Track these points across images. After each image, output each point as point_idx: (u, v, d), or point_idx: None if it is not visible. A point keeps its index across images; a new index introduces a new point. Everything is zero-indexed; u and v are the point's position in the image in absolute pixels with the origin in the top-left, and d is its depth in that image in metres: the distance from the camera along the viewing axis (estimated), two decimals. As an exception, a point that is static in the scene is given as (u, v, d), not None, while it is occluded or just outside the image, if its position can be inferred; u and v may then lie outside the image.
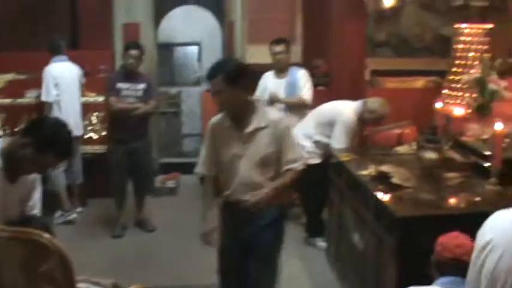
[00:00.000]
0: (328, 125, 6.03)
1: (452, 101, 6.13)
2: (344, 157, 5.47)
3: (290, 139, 3.83)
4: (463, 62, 6.16)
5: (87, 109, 7.39)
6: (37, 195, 3.63)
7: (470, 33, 6.15)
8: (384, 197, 4.29)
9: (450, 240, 3.11)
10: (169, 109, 10.72)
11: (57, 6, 8.12)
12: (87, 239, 6.56)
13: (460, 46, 6.20)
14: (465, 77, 5.67)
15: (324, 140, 6.07)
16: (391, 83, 7.25)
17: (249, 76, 3.79)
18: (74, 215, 7.12)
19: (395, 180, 4.49)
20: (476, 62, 5.90)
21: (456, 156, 5.04)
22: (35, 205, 3.61)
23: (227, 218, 3.94)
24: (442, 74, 6.68)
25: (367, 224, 4.49)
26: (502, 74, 5.50)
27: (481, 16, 6.51)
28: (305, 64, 7.53)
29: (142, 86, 6.57)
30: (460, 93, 6.04)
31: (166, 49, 11.92)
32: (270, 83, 6.75)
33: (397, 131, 6.33)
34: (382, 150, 5.73)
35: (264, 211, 3.74)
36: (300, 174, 3.88)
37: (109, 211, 7.02)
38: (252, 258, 3.88)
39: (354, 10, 7.48)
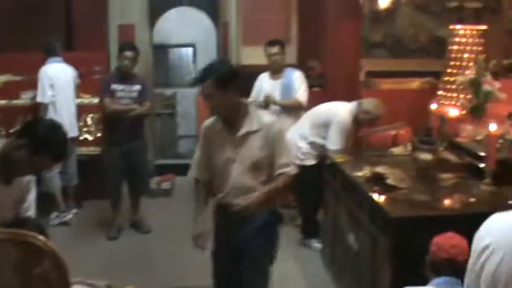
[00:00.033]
0: (324, 126, 6.04)
1: (447, 102, 6.14)
2: (339, 158, 5.48)
3: (282, 143, 3.79)
4: (457, 63, 6.18)
5: (82, 110, 7.39)
6: (32, 197, 3.62)
7: (465, 35, 6.17)
8: (378, 198, 4.29)
9: (445, 241, 3.12)
10: (165, 110, 10.71)
11: (52, 7, 8.10)
12: (83, 240, 6.55)
13: (455, 47, 6.22)
14: (460, 78, 5.68)
15: (319, 141, 6.07)
16: (386, 84, 7.26)
17: (239, 79, 3.74)
18: (69, 216, 7.12)
19: (390, 181, 4.49)
20: (471, 63, 5.91)
21: (451, 157, 5.05)
22: (30, 207, 3.60)
23: (220, 221, 3.92)
24: (437, 75, 6.70)
25: (362, 225, 4.50)
26: (496, 75, 5.51)
27: (475, 17, 6.54)
28: (300, 65, 7.54)
29: (137, 87, 6.56)
30: (454, 94, 6.05)
31: (161, 50, 11.91)
32: (265, 84, 6.76)
33: (392, 132, 6.34)
34: (377, 151, 5.74)
35: (256, 215, 3.71)
36: (293, 178, 3.85)
37: (104, 213, 7.01)
38: (244, 262, 3.84)
39: (349, 11, 7.49)
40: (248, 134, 3.69)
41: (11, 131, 6.93)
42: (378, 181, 4.56)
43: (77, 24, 8.22)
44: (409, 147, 5.53)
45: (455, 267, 3.05)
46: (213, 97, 3.62)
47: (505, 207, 3.61)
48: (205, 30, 11.80)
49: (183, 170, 7.95)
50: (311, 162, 6.13)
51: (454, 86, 6.00)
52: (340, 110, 6.05)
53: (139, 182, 6.96)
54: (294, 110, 6.64)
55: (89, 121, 7.54)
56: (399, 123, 6.45)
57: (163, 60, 12.25)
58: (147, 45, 8.80)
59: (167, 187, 8.35)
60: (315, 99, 6.60)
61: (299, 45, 8.34)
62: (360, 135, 6.59)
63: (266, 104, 6.62)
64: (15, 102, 7.34)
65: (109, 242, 6.58)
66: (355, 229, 4.73)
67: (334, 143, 5.92)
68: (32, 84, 7.03)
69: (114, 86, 6.51)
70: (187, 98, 10.73)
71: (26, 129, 3.32)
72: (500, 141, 4.57)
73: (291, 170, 3.79)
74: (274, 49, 6.65)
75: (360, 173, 4.82)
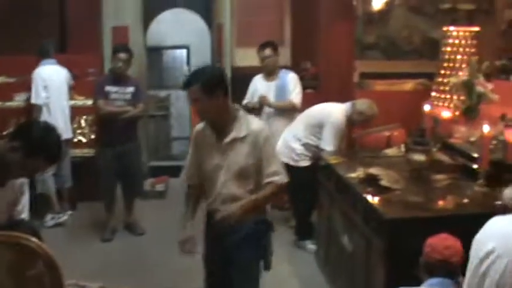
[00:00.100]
0: (318, 127, 6.05)
1: (440, 104, 6.16)
2: (333, 160, 5.49)
3: (271, 150, 3.72)
4: (451, 65, 6.19)
5: (75, 112, 7.37)
6: (25, 199, 3.61)
7: (458, 36, 6.19)
8: (372, 199, 4.30)
9: (439, 242, 3.12)
10: (158, 112, 10.72)
11: (45, 9, 8.09)
12: (77, 242, 6.54)
13: (448, 49, 6.24)
14: (453, 80, 5.69)
15: (313, 142, 6.08)
16: (380, 86, 7.27)
17: (226, 84, 3.65)
18: (64, 218, 7.11)
19: (384, 182, 4.50)
20: (464, 65, 5.93)
21: (444, 158, 5.06)
22: (24, 209, 3.60)
23: (209, 227, 3.86)
24: (431, 76, 6.72)
25: (356, 226, 4.50)
26: (488, 77, 5.53)
27: (468, 19, 6.57)
28: (294, 67, 7.56)
29: (130, 89, 6.56)
30: (448, 96, 6.07)
31: (155, 52, 11.91)
32: (260, 86, 6.77)
33: (386, 133, 6.37)
34: (371, 152, 5.75)
35: (241, 224, 3.64)
36: (282, 187, 3.76)
37: (98, 215, 7.00)
38: (233, 268, 3.78)
39: (342, 13, 7.50)
40: (235, 140, 3.62)
41: (5, 133, 6.90)
42: (371, 182, 4.57)
43: (70, 26, 8.21)
44: (403, 149, 5.55)
45: (449, 269, 3.06)
46: (199, 102, 3.57)
47: (493, 209, 3.66)
48: (199, 32, 11.81)
49: (176, 171, 7.95)
50: (305, 163, 6.14)
51: (447, 88, 6.01)
52: (334, 111, 6.06)
53: (133, 183, 6.95)
54: (287, 111, 6.65)
55: (83, 123, 7.53)
56: (393, 124, 6.48)
57: (157, 62, 12.26)
58: (141, 47, 8.79)
59: (161, 189, 8.34)
60: (308, 101, 6.60)
61: (293, 46, 8.36)
62: (353, 136, 6.61)
63: (260, 105, 6.64)
64: (8, 104, 7.32)
65: (103, 244, 6.57)
66: (349, 230, 4.74)
67: (328, 143, 5.93)
68: (25, 86, 7.02)
69: (108, 88, 6.51)
70: (181, 100, 10.74)
71: (19, 132, 3.32)
72: (493, 142, 4.59)
73: (280, 178, 3.69)
74: (267, 51, 6.66)
75: (353, 175, 4.82)
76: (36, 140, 3.20)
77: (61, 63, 7.08)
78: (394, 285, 3.68)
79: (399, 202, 4.26)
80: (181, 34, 12.26)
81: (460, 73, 5.73)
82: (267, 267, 3.91)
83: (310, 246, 6.16)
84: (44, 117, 6.71)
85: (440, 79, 6.31)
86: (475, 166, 4.62)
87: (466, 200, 4.28)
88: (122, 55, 6.46)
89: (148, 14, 9.82)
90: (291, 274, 5.71)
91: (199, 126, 3.84)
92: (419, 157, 4.84)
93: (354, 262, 4.57)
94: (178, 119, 10.95)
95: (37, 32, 7.56)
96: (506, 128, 4.62)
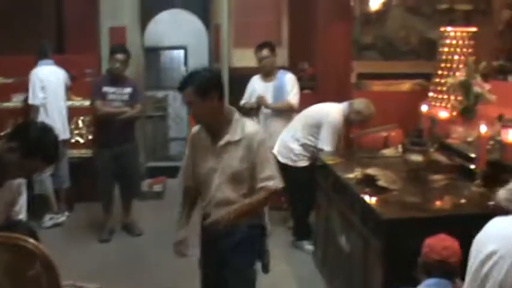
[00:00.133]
0: (316, 127, 6.06)
1: (437, 104, 6.16)
2: (330, 160, 5.49)
3: (265, 155, 3.66)
4: (448, 65, 6.20)
5: (73, 113, 7.37)
6: (23, 200, 3.61)
7: (455, 37, 6.19)
8: (370, 199, 4.30)
9: (437, 242, 3.13)
10: (156, 113, 10.73)
11: (43, 10, 8.09)
12: (74, 243, 6.53)
13: (446, 49, 6.24)
14: (450, 80, 5.70)
15: (311, 142, 6.09)
16: (377, 86, 7.27)
17: (221, 86, 3.62)
18: (63, 218, 7.12)
19: (381, 183, 4.50)
20: (461, 65, 5.94)
21: (441, 158, 5.06)
22: (21, 210, 3.60)
23: (204, 230, 3.81)
24: (428, 76, 6.72)
25: (354, 227, 4.50)
26: (486, 77, 5.53)
27: (465, 19, 6.56)
28: (291, 67, 7.57)
29: (128, 90, 6.56)
30: (445, 96, 6.07)
31: (152, 53, 11.92)
32: (257, 87, 6.78)
33: (384, 133, 6.38)
34: (369, 153, 5.76)
35: (235, 227, 3.61)
36: (276, 193, 3.72)
37: (96, 215, 7.00)
38: (228, 271, 3.75)
39: (340, 13, 7.51)
40: (230, 143, 3.59)
41: (2, 133, 6.90)
42: (369, 183, 4.56)
43: (68, 27, 8.21)
44: (400, 149, 5.55)
45: (447, 269, 3.07)
46: (194, 105, 3.55)
47: (488, 209, 3.68)
48: (197, 32, 11.81)
49: (174, 172, 7.95)
50: (304, 163, 6.14)
51: (444, 88, 6.01)
52: (332, 111, 6.08)
53: (130, 184, 6.95)
54: (285, 112, 6.66)
55: (80, 124, 7.53)
56: (390, 125, 6.48)
57: (154, 63, 12.26)
58: (138, 47, 8.79)
59: (158, 189, 8.35)
60: (306, 101, 6.61)
61: (290, 47, 8.36)
62: (351, 137, 6.62)
63: (258, 105, 6.64)
64: (6, 104, 7.32)
65: (101, 245, 6.57)
66: (346, 231, 4.74)
67: (326, 143, 5.94)
68: (23, 86, 7.02)
69: (105, 89, 6.51)
70: (179, 101, 10.72)
71: (17, 132, 3.32)
72: (491, 142, 4.59)
73: (274, 183, 3.65)
74: (264, 52, 6.67)
75: (351, 175, 4.82)
76: (34, 140, 3.20)
77: (58, 63, 7.09)
78: (392, 285, 3.69)
79: (397, 202, 4.26)
80: (178, 35, 12.27)
81: (458, 73, 5.74)
82: (266, 270, 3.91)
83: (308, 246, 6.17)
84: (42, 117, 6.71)
85: (437, 79, 6.32)
86: (472, 166, 4.62)
87: (463, 200, 4.29)
88: (120, 56, 6.46)
89: (146, 15, 9.82)
90: (289, 275, 5.71)
91: (195, 128, 3.82)
92: (416, 157, 4.84)
93: (352, 262, 4.57)
94: (176, 120, 10.96)
95: (35, 33, 7.56)
96: (503, 128, 4.61)
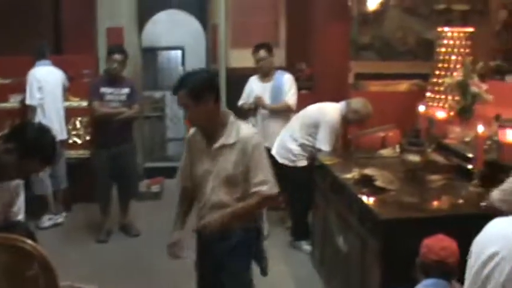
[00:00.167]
0: (313, 127, 6.07)
1: (435, 104, 6.16)
2: (328, 161, 5.49)
3: (259, 159, 3.59)
4: (445, 65, 6.20)
5: (70, 114, 7.37)
6: (21, 201, 3.61)
7: (452, 37, 6.20)
8: (367, 200, 4.30)
9: (435, 243, 3.14)
10: (154, 113, 10.73)
11: (40, 11, 8.08)
12: (72, 244, 6.53)
13: (443, 49, 6.24)
14: (447, 80, 5.70)
15: (309, 142, 6.10)
16: (375, 86, 7.27)
17: (216, 89, 3.59)
18: (61, 219, 7.12)
19: (379, 183, 4.50)
20: (459, 65, 5.94)
21: (439, 158, 5.07)
22: (19, 211, 3.60)
23: (199, 233, 3.77)
24: (425, 77, 6.72)
25: (351, 227, 4.51)
26: (483, 77, 5.54)
27: (463, 20, 6.57)
28: (289, 68, 7.56)
29: (125, 90, 6.55)
30: (442, 96, 6.07)
31: (150, 53, 11.93)
32: (255, 87, 6.79)
33: (381, 134, 6.38)
34: (366, 153, 5.76)
35: (230, 231, 3.59)
36: (269, 198, 3.66)
37: (93, 216, 6.99)
38: (223, 275, 3.73)
39: (337, 14, 7.51)
40: (224, 146, 3.56)
41: (-1, 134, 6.91)
42: (366, 183, 4.57)
43: (65, 27, 8.20)
44: (398, 149, 5.56)
45: (445, 269, 3.07)
46: (188, 108, 3.52)
47: (481, 210, 3.68)
48: (194, 33, 11.82)
49: (172, 172, 7.94)
50: (303, 163, 6.15)
51: (442, 88, 6.01)
52: (329, 110, 6.09)
53: (128, 185, 6.95)
54: (283, 112, 6.67)
55: (78, 124, 7.53)
56: (388, 125, 6.49)
57: (152, 63, 12.27)
58: (136, 48, 8.79)
59: (156, 190, 8.34)
60: (303, 102, 6.61)
61: (288, 47, 8.36)
62: (349, 137, 6.62)
63: (256, 106, 6.65)
64: (3, 105, 7.31)
65: (98, 246, 6.56)
66: (344, 231, 4.74)
67: (324, 143, 5.95)
68: (20, 87, 7.01)
69: (103, 89, 6.50)
70: (176, 101, 10.71)
71: (14, 133, 3.32)
72: (488, 142, 4.60)
73: (268, 188, 3.59)
74: (261, 53, 6.67)
75: (348, 175, 4.83)
76: (31, 141, 3.21)
77: (56, 64, 7.08)
78: (390, 285, 3.70)
79: (394, 203, 4.26)
80: (176, 35, 12.28)
81: (455, 74, 5.74)
82: (264, 273, 3.89)
83: (306, 247, 6.17)
84: (39, 118, 6.71)
85: (434, 80, 6.32)
86: (469, 166, 4.63)
87: (460, 201, 4.29)
88: (117, 56, 6.46)
89: (143, 15, 9.82)
90: (287, 275, 5.71)
91: (192, 130, 3.80)
92: (414, 158, 4.84)
93: (349, 263, 4.57)
94: (174, 120, 10.96)
95: (32, 33, 7.56)
96: (500, 128, 4.62)
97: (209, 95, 3.49)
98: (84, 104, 7.20)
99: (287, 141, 6.22)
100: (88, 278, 4.98)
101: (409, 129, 5.76)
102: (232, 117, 3.64)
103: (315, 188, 5.77)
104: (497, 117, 4.84)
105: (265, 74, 6.75)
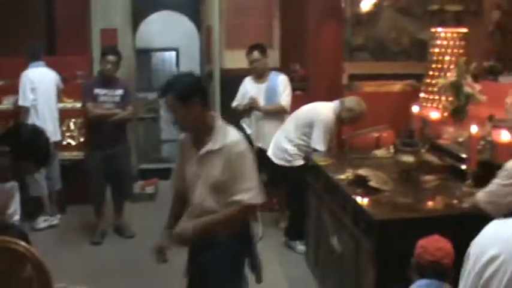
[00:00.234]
0: (308, 126, 6.07)
1: (428, 105, 6.18)
2: (322, 161, 5.50)
3: (243, 166, 3.49)
4: (439, 66, 6.21)
5: (64, 115, 7.36)
6: (16, 203, 3.61)
7: (446, 37, 6.21)
8: (361, 200, 4.31)
9: (430, 243, 3.14)
10: (148, 115, 10.72)
11: (33, 12, 8.08)
12: (66, 245, 6.52)
13: (436, 50, 6.26)
14: (441, 81, 5.71)
15: (304, 142, 6.10)
16: (369, 87, 7.28)
17: (204, 92, 3.53)
18: (56, 221, 7.11)
19: (372, 183, 4.51)
20: (452, 66, 5.96)
21: (433, 159, 5.08)
22: (15, 213, 3.60)
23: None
24: (419, 77, 6.74)
25: (346, 228, 4.51)
26: (476, 78, 5.55)
27: (456, 20, 6.58)
28: (283, 69, 7.56)
29: (119, 91, 6.55)
30: (436, 97, 6.09)
31: (144, 54, 11.91)
32: (250, 88, 6.80)
33: (375, 134, 6.39)
34: (360, 153, 5.77)
35: (215, 239, 3.52)
36: (250, 208, 3.57)
37: (88, 217, 6.98)
38: (210, 283, 3.66)
39: (331, 15, 7.52)
40: (211, 152, 3.47)
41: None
42: (360, 184, 4.58)
43: (59, 29, 8.20)
44: (392, 150, 5.57)
45: (440, 270, 3.07)
46: (175, 111, 3.46)
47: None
48: (188, 34, 11.81)
49: (166, 174, 7.91)
50: (299, 162, 6.15)
51: (435, 89, 6.03)
52: (323, 109, 6.10)
53: (122, 186, 6.94)
54: (277, 113, 6.67)
55: (72, 126, 7.52)
56: (382, 125, 6.50)
57: (146, 65, 12.25)
58: (129, 49, 8.78)
59: (151, 191, 8.33)
60: (297, 103, 6.62)
61: (282, 48, 8.36)
62: (343, 137, 6.63)
63: (250, 107, 6.65)
64: (-4, 107, 7.31)
65: (93, 247, 6.56)
66: (338, 231, 4.74)
67: (318, 142, 5.95)
68: (13, 88, 7.00)
69: (96, 91, 6.50)
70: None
71: (8, 135, 3.32)
72: (481, 143, 4.61)
73: (249, 197, 3.48)
74: (255, 54, 6.69)
75: (342, 176, 4.84)
76: (25, 143, 3.20)
77: (50, 65, 7.07)
78: (384, 286, 3.71)
79: (388, 203, 4.26)
80: (170, 36, 12.26)
81: (448, 74, 5.75)
82: (259, 279, 3.84)
83: (300, 247, 6.17)
84: (32, 119, 6.70)
85: (428, 80, 6.33)
86: (463, 167, 4.64)
87: (454, 201, 4.29)
88: (111, 57, 6.46)
89: (137, 16, 9.81)
90: (281, 275, 5.72)
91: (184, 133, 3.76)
92: (408, 158, 4.85)
93: (343, 263, 4.57)
94: (168, 122, 10.91)
95: (25, 35, 7.55)
96: (494, 128, 4.64)
97: (197, 98, 3.43)
98: (78, 105, 7.19)
99: (282, 142, 6.23)
100: (82, 280, 4.96)
101: (403, 129, 5.78)
102: (220, 121, 3.58)
103: (308, 188, 5.77)
104: (491, 118, 4.86)
105: (260, 75, 6.76)
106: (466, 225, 3.26)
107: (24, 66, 6.91)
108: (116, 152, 6.58)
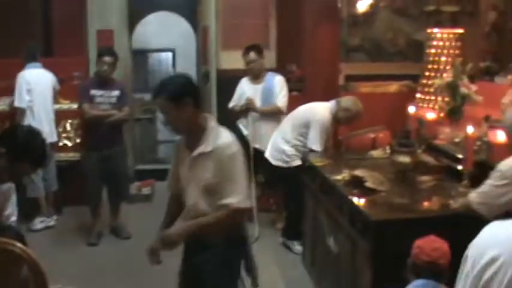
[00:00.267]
0: (304, 127, 6.07)
1: (425, 105, 6.19)
2: (318, 162, 5.50)
3: (233, 169, 3.44)
4: (435, 67, 6.23)
5: (61, 116, 7.35)
6: (13, 204, 3.61)
7: (442, 38, 6.23)
8: (358, 201, 4.31)
9: (427, 244, 3.15)
10: (144, 116, 10.70)
11: (30, 13, 8.07)
12: (63, 247, 6.51)
13: (433, 51, 6.27)
14: (437, 81, 5.73)
15: (301, 143, 6.11)
16: (365, 88, 7.29)
17: (196, 94, 3.47)
18: (53, 222, 7.11)
19: (369, 184, 4.51)
20: (448, 67, 5.97)
21: (429, 159, 5.08)
22: (12, 214, 3.59)
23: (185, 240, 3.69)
24: (415, 78, 6.75)
25: (342, 228, 4.51)
26: (472, 78, 5.56)
27: (452, 21, 6.58)
28: (279, 69, 7.57)
29: (116, 92, 6.55)
30: (432, 97, 6.10)
31: (140, 55, 11.90)
32: (246, 88, 6.80)
33: (371, 135, 6.39)
34: (357, 154, 5.78)
35: (208, 241, 3.50)
36: (239, 212, 3.49)
37: (84, 219, 6.98)
38: (202, 286, 3.64)
39: (327, 15, 7.53)
40: (203, 154, 3.44)
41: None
42: (357, 184, 4.57)
43: (55, 30, 8.19)
44: (388, 150, 5.57)
45: (436, 270, 3.08)
46: (167, 113, 3.43)
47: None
48: (185, 34, 11.81)
49: (163, 175, 7.89)
50: (297, 163, 6.15)
51: (431, 89, 6.04)
52: (319, 110, 6.10)
53: (119, 187, 6.93)
54: (274, 114, 6.68)
55: (68, 127, 7.51)
56: (378, 126, 6.50)
57: (142, 65, 12.24)
58: (126, 50, 8.77)
59: (147, 192, 8.33)
60: (294, 103, 6.62)
61: (278, 49, 8.37)
62: (340, 138, 6.63)
63: (247, 108, 6.65)
64: (-8, 108, 7.29)
65: (89, 248, 6.55)
66: (334, 232, 4.75)
67: (314, 142, 5.96)
68: (9, 90, 6.98)
69: (93, 92, 6.49)
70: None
71: (4, 136, 3.32)
72: (478, 143, 4.61)
73: (237, 202, 3.43)
74: (251, 55, 6.70)
75: (339, 177, 4.84)
76: (21, 144, 3.20)
77: (46, 66, 7.06)
78: (380, 286, 3.71)
79: (384, 204, 4.27)
80: (166, 37, 12.26)
81: (445, 75, 5.77)
82: (255, 283, 3.80)
83: (298, 247, 6.17)
84: (28, 120, 6.69)
85: (424, 81, 6.34)
86: (459, 167, 4.65)
87: (451, 201, 4.29)
88: (107, 58, 6.45)
89: (134, 17, 9.79)
90: (278, 276, 5.71)
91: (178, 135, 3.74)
92: (404, 159, 4.85)
93: (340, 264, 4.58)
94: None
95: (22, 36, 7.54)
96: (490, 129, 4.64)
97: (189, 99, 3.40)
98: (75, 106, 7.19)
99: (280, 143, 6.23)
100: (79, 281, 4.97)
101: (399, 130, 5.79)
102: (212, 123, 3.54)
103: (305, 189, 5.77)
104: (487, 118, 4.87)
105: (256, 76, 6.77)
106: (462, 226, 3.27)
107: (21, 67, 6.90)
108: (112, 153, 6.58)
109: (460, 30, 6.24)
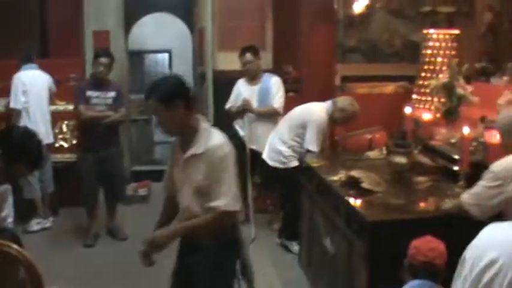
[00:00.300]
0: (301, 127, 6.08)
1: (421, 106, 6.20)
2: (315, 163, 5.50)
3: (223, 171, 3.40)
4: (431, 67, 6.24)
5: (57, 117, 7.34)
6: (10, 206, 3.60)
7: (438, 39, 6.24)
8: (354, 201, 4.31)
9: (423, 244, 3.15)
10: (140, 117, 10.69)
11: (26, 14, 8.06)
12: (59, 248, 6.50)
13: (429, 51, 6.29)
14: (433, 82, 5.73)
15: (298, 144, 6.11)
16: (361, 89, 7.30)
17: (187, 95, 3.43)
18: (49, 223, 7.09)
19: (365, 185, 4.51)
20: (444, 67, 5.97)
21: (425, 160, 5.09)
22: (8, 216, 3.59)
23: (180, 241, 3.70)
24: (411, 79, 6.76)
25: (338, 229, 4.51)
26: (468, 79, 5.58)
27: (448, 22, 6.60)
28: (276, 70, 7.57)
29: (112, 94, 6.54)
30: (428, 98, 6.11)
31: (136, 56, 11.88)
32: (243, 90, 6.80)
33: (368, 136, 6.39)
34: (353, 155, 5.78)
35: (201, 243, 3.50)
36: (226, 215, 3.44)
37: (80, 220, 6.97)
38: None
39: (323, 16, 7.53)
40: (194, 156, 3.42)
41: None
42: (353, 185, 4.58)
43: (51, 31, 8.18)
44: (384, 151, 5.57)
45: (432, 270, 3.08)
46: (159, 114, 3.42)
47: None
48: (181, 36, 11.79)
49: (159, 176, 7.88)
50: (294, 163, 6.14)
51: (428, 90, 6.05)
52: (316, 110, 6.10)
53: (115, 188, 6.92)
54: (270, 115, 6.68)
55: (64, 128, 7.50)
56: (374, 127, 6.51)
57: (138, 67, 12.23)
58: (122, 51, 8.77)
59: (143, 193, 8.32)
60: (290, 104, 6.62)
61: (274, 50, 8.37)
62: (336, 139, 6.64)
63: (243, 109, 6.65)
64: (-12, 110, 7.28)
65: (85, 250, 6.54)
66: (331, 233, 4.75)
67: (311, 143, 5.96)
68: (5, 91, 6.97)
69: (89, 93, 6.49)
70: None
71: (0, 138, 3.31)
72: (474, 144, 4.62)
73: (225, 204, 3.39)
74: (247, 56, 6.70)
75: (335, 177, 4.84)
76: (17, 146, 3.20)
77: (42, 68, 7.05)
78: (376, 287, 3.71)
79: (381, 204, 4.27)
80: (163, 38, 12.25)
81: (441, 75, 5.77)
82: (251, 286, 3.78)
83: (296, 247, 6.16)
84: (24, 122, 6.68)
85: (421, 82, 6.36)
86: (455, 168, 4.66)
87: (443, 202, 4.30)
88: (103, 59, 6.45)
89: (130, 18, 9.78)
90: (275, 277, 5.71)
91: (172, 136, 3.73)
92: (400, 159, 4.86)
93: (336, 264, 4.58)
94: (160, 124, 10.92)
95: (18, 37, 7.53)
96: (486, 129, 4.65)
97: (180, 100, 3.38)
98: (71, 107, 7.18)
99: (277, 144, 6.23)
100: (75, 282, 4.97)
101: (395, 131, 5.79)
102: (205, 124, 3.53)
103: (301, 190, 5.77)
104: (483, 119, 4.88)
105: (253, 77, 6.77)
106: (458, 226, 3.27)
107: (17, 68, 6.89)
108: (109, 154, 6.57)
109: (456, 31, 6.26)
